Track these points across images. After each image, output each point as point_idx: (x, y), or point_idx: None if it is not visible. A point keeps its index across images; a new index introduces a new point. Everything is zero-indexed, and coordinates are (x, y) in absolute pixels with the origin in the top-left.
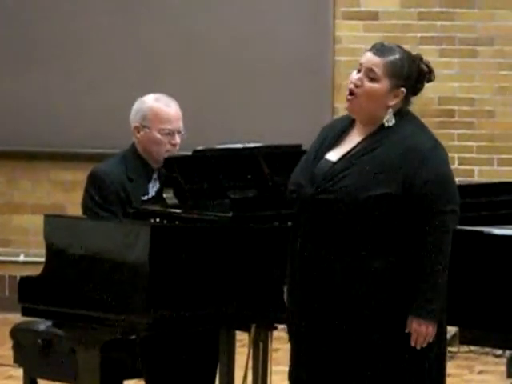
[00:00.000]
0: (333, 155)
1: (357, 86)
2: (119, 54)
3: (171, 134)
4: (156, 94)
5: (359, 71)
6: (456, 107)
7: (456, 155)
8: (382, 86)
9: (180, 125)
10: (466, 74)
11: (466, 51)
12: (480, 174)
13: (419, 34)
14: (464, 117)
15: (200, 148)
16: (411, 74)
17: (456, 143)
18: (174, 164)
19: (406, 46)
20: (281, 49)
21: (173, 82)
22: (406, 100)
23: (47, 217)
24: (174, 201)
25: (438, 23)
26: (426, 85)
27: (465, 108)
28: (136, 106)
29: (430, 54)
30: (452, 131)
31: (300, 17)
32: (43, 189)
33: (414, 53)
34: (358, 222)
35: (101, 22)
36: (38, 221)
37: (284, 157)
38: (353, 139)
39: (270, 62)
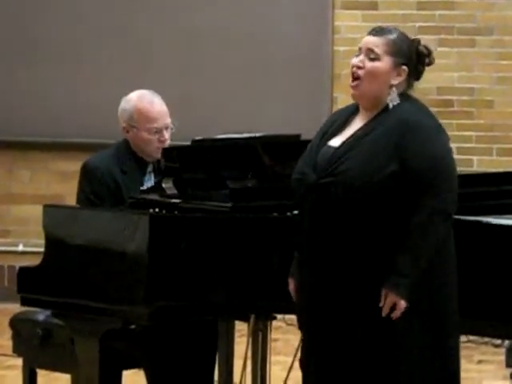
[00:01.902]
0: (335, 141)
1: (359, 68)
2: (117, 47)
3: (159, 131)
4: (140, 90)
5: (357, 56)
6: (455, 97)
7: (455, 145)
8: (383, 64)
9: (167, 121)
10: (465, 63)
11: (465, 41)
12: (479, 164)
13: (418, 24)
14: (463, 107)
15: (199, 138)
16: (411, 54)
17: (455, 133)
18: (173, 154)
19: None
20: (280, 39)
21: (172, 74)
22: (409, 83)
23: (46, 207)
24: (173, 191)
25: (437, 13)
26: (425, 74)
27: (464, 98)
28: (121, 105)
29: (428, 44)
30: (451, 121)
31: (299, 7)
32: (42, 179)
33: None
34: (363, 204)
35: (99, 16)
36: (36, 211)
37: (283, 147)
38: (356, 125)
39: (269, 52)
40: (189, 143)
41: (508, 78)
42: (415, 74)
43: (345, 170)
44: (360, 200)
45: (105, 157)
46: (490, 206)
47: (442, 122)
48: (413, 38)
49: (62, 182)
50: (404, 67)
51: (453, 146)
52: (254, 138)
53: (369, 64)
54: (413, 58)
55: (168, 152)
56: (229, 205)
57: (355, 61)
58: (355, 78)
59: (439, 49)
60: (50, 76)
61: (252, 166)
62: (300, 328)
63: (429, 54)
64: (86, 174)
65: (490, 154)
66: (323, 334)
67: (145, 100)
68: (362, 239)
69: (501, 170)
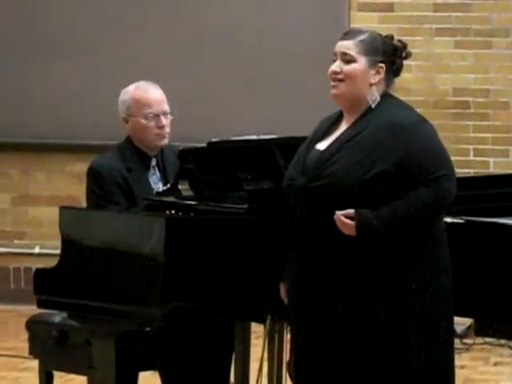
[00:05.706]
0: (322, 145)
1: (337, 73)
2: (131, 47)
3: (156, 117)
4: (138, 82)
5: (334, 61)
6: (471, 98)
7: (471, 147)
8: (359, 64)
9: (163, 107)
10: (481, 65)
11: (481, 42)
12: (495, 166)
13: (434, 26)
14: (479, 108)
15: (215, 140)
16: (386, 49)
17: (471, 135)
18: (188, 156)
19: (421, 38)
20: (295, 40)
21: (184, 72)
22: (388, 81)
23: (63, 209)
24: (189, 192)
25: (454, 14)
26: (441, 76)
27: (480, 99)
28: (120, 98)
29: (445, 46)
30: (467, 122)
31: (315, 8)
32: (58, 181)
33: (428, 44)
34: (352, 205)
35: (110, 14)
36: (53, 213)
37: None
38: (341, 128)
39: (284, 52)
40: (204, 145)
41: None
42: (393, 69)
43: (333, 171)
44: (349, 201)
45: (108, 157)
46: (508, 208)
47: (458, 123)
48: (385, 34)
49: (78, 184)
50: (381, 64)
51: (469, 147)
52: (270, 139)
53: (345, 67)
54: (388, 54)
55: (184, 153)
56: (244, 206)
57: (332, 67)
58: (334, 81)
59: (455, 50)
60: (66, 77)
61: (267, 168)
62: (291, 330)
63: (404, 46)
64: (94, 176)
65: (507, 156)
66: (313, 334)
67: (140, 89)
68: (352, 240)
69: None
